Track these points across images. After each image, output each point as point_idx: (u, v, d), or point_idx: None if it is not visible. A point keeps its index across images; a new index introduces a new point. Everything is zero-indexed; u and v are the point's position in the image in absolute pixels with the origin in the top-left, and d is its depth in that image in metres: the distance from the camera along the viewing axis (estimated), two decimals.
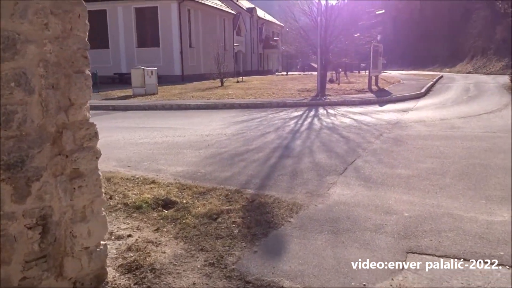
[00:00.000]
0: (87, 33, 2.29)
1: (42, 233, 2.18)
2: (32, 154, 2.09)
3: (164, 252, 2.94)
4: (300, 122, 10.18)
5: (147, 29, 29.72)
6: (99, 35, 28.02)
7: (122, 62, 29.51)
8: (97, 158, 2.38)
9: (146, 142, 7.37)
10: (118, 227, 3.42)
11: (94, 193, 2.38)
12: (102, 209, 2.46)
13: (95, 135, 2.35)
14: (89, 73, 2.32)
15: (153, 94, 17.80)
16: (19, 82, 2.01)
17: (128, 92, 18.69)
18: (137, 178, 4.87)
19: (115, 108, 13.58)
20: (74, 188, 2.28)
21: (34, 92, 2.07)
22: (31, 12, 2.03)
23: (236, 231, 3.30)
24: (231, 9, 39.79)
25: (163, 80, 24.62)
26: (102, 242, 2.50)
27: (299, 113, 11.76)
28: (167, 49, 29.21)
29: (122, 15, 29.59)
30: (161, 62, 28.81)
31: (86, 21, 2.28)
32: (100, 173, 2.42)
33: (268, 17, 54.30)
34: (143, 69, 18.48)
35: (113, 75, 28.24)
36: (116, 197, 4.14)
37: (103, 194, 2.45)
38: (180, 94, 17.96)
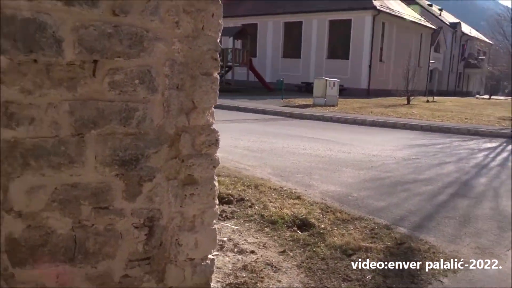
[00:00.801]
0: (220, 34, 2.15)
1: (148, 235, 2.12)
2: (148, 154, 2.05)
3: (279, 281, 2.64)
4: (491, 155, 8.62)
5: (339, 41, 29.99)
6: (293, 44, 29.47)
7: (311, 72, 30.40)
8: (214, 167, 2.23)
9: (307, 153, 7.21)
10: (245, 240, 3.27)
11: (206, 204, 2.23)
12: (214, 221, 2.30)
13: (215, 143, 2.20)
14: (217, 76, 2.18)
15: (333, 105, 17.73)
16: (143, 80, 1.98)
17: (309, 101, 19.04)
18: (284, 190, 4.69)
19: (291, 116, 13.94)
20: (186, 195, 2.17)
21: (157, 92, 2.02)
22: (163, 9, 1.98)
23: (369, 277, 2.79)
24: (431, 23, 37.06)
25: (347, 92, 24.44)
26: (209, 256, 2.34)
27: (494, 145, 10.01)
28: (355, 62, 28.92)
29: (317, 27, 30.49)
30: (348, 74, 28.68)
31: (220, 21, 2.14)
32: (216, 183, 2.26)
33: (474, 33, 48.83)
34: (326, 79, 18.59)
35: (300, 83, 29.32)
36: (256, 207, 4.03)
37: (216, 206, 2.29)
38: (360, 108, 17.43)
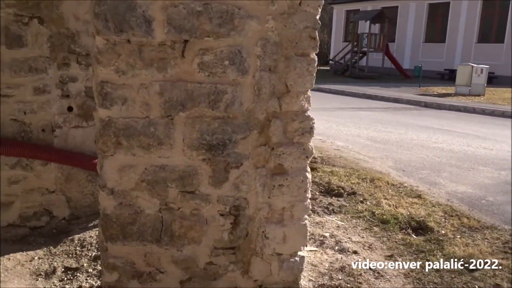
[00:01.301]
0: (320, 9, 1.92)
1: (234, 224, 2.04)
2: (236, 139, 1.94)
3: None
4: None
5: (493, 23, 26.47)
6: (437, 28, 27.05)
7: (456, 58, 27.44)
8: (307, 157, 2.02)
9: (439, 148, 6.45)
10: (349, 238, 3.01)
11: (296, 196, 2.05)
12: (305, 217, 2.11)
13: (310, 131, 2.00)
14: (315, 57, 1.95)
15: (478, 95, 15.73)
16: (233, 61, 1.86)
17: (450, 90, 17.22)
18: (404, 187, 4.24)
19: (426, 105, 12.72)
20: (274, 186, 2.01)
21: (248, 73, 1.89)
22: None
23: None
24: None
25: (498, 81, 21.55)
26: (299, 253, 2.16)
27: None
28: None
29: (466, 8, 27.34)
30: (502, 60, 25.19)
31: None
32: (309, 175, 2.06)
33: None
34: (472, 66, 16.54)
35: (443, 70, 26.73)
36: (367, 203, 3.70)
37: (308, 201, 2.09)
38: None
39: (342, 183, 4.17)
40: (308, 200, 2.10)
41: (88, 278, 2.58)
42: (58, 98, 3.18)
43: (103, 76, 1.84)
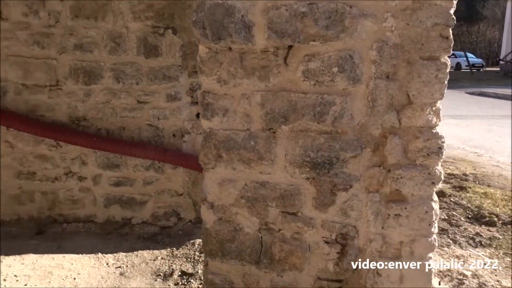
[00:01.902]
0: (455, 2, 1.53)
1: (340, 254, 1.78)
2: (344, 157, 1.68)
3: None
4: None
5: None
6: None
7: None
8: (433, 184, 1.65)
9: None
10: (498, 281, 2.44)
11: (417, 230, 1.69)
12: (430, 255, 1.73)
13: (437, 152, 1.62)
14: (446, 61, 1.57)
15: None
16: (343, 68, 1.61)
17: None
18: None
19: None
20: (389, 215, 1.69)
21: (360, 82, 1.62)
22: None
23: None
24: None
25: None
26: None
27: None
28: None
29: None
30: None
31: None
32: (435, 205, 1.67)
33: None
34: None
35: None
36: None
37: (434, 236, 1.70)
38: None
39: (497, 209, 3.47)
40: (434, 236, 1.71)
41: (200, 286, 2.59)
42: (187, 105, 3.31)
43: (206, 86, 1.77)
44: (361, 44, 1.59)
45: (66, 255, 2.94)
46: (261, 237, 1.85)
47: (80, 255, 2.95)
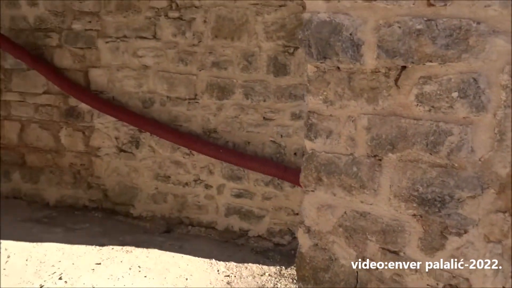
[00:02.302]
0: None
1: None
2: (460, 197, 1.45)
3: None
4: None
5: None
6: None
7: None
8: None
9: None
10: None
11: None
12: None
13: None
14: None
15: None
16: (465, 93, 1.40)
17: None
18: None
19: None
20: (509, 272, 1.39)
21: (486, 110, 1.38)
22: None
23: None
24: None
25: None
26: None
27: None
28: None
29: None
30: None
31: None
32: None
33: None
34: None
35: None
36: None
37: None
38: None
39: None
40: None
41: None
42: None
43: (311, 106, 1.72)
44: (490, 66, 1.36)
45: (185, 256, 3.15)
46: (357, 272, 1.70)
47: (197, 257, 3.13)
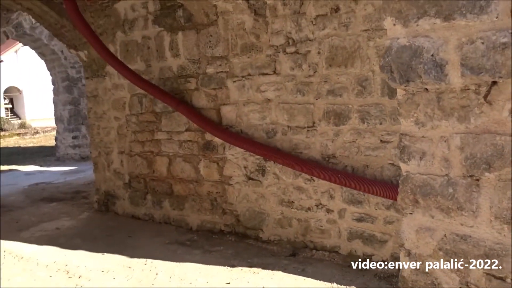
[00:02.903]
0: None
1: None
2: None
3: None
4: None
5: None
6: None
7: None
8: None
9: None
10: None
11: None
12: None
13: None
14: None
15: None
16: None
17: None
18: None
19: None
20: None
21: None
22: None
23: None
24: None
25: None
26: None
27: None
28: None
29: None
30: None
31: None
32: None
33: None
34: None
35: None
36: None
37: None
38: None
39: None
40: None
41: None
42: None
43: (404, 128, 1.74)
44: None
45: (307, 279, 3.26)
46: None
47: (318, 281, 3.21)
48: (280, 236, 4.04)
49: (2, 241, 4.57)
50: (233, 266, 3.59)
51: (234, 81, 4.20)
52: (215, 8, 4.18)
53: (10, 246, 4.42)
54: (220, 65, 4.28)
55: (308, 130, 3.76)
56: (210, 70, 4.38)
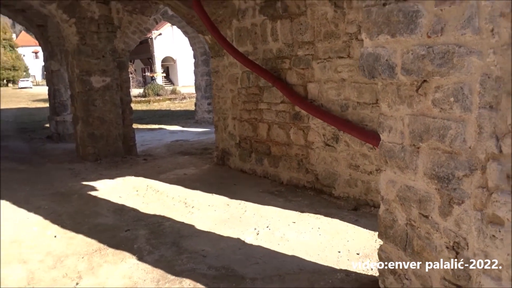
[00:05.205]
0: None
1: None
2: (458, 175, 1.96)
3: None
4: None
5: None
6: None
7: None
8: None
9: None
10: None
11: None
12: None
13: None
14: None
15: None
16: (457, 98, 1.92)
17: None
18: None
19: None
20: (487, 234, 1.81)
21: (471, 111, 1.87)
22: (480, 18, 1.78)
23: None
24: None
25: None
26: None
27: None
28: None
29: None
30: None
31: None
32: None
33: None
34: None
35: None
36: None
37: None
38: None
39: None
40: None
41: None
42: None
43: (381, 109, 2.45)
44: (470, 78, 1.85)
45: (356, 227, 4.03)
46: (407, 230, 2.32)
47: (365, 229, 3.96)
48: (348, 193, 4.80)
49: (147, 179, 6.25)
50: (303, 211, 4.52)
51: (318, 63, 4.97)
52: (305, 1, 4.97)
53: (151, 183, 6.04)
54: (308, 48, 5.08)
55: (372, 106, 4.39)
56: (300, 52, 5.22)
